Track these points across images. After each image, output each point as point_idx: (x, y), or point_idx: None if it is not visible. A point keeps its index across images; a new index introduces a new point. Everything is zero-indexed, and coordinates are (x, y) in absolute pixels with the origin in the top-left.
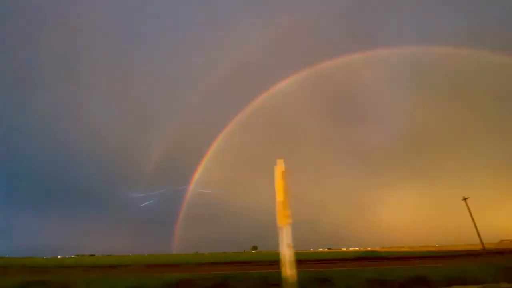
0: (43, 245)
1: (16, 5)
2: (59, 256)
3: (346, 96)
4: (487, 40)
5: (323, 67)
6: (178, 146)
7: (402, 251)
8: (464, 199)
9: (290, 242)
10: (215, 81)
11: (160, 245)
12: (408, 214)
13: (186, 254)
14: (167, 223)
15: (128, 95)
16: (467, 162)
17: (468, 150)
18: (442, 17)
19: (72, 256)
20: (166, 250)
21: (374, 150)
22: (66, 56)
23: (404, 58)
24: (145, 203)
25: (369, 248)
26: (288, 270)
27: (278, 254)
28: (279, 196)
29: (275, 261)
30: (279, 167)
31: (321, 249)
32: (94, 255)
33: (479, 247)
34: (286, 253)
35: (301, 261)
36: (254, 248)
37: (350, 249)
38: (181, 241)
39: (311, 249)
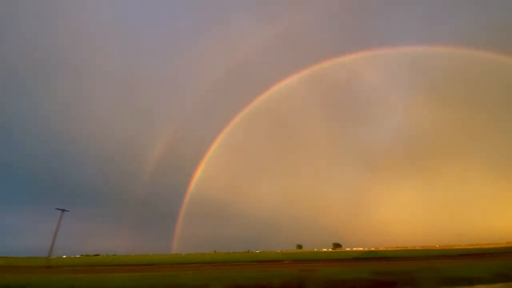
0: (43, 245)
1: (16, 5)
2: (64, 256)
3: (346, 96)
4: (487, 40)
5: (323, 67)
6: (178, 146)
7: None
8: None
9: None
10: (215, 81)
11: (160, 245)
12: (408, 214)
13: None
14: (167, 223)
15: (129, 95)
16: (467, 162)
17: (468, 150)
18: (442, 17)
19: (78, 256)
20: (166, 250)
21: (375, 150)
22: (68, 57)
23: (404, 58)
24: (145, 203)
25: (373, 248)
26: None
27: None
28: None
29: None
30: None
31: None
32: (99, 254)
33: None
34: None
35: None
36: (299, 246)
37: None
38: (181, 240)
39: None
